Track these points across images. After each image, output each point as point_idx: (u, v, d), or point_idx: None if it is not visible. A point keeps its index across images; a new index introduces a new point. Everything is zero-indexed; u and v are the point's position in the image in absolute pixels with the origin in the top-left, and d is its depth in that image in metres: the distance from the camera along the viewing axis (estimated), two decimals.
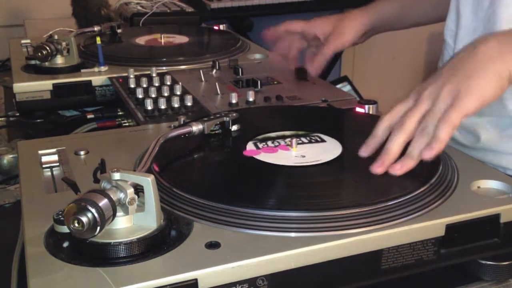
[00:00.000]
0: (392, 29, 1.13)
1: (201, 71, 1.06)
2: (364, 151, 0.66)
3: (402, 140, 0.64)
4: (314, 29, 1.06)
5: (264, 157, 0.67)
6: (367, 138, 0.67)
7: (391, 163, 0.63)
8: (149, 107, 0.90)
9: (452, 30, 0.92)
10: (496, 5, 0.82)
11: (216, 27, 1.47)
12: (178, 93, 0.96)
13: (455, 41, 0.91)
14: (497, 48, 0.66)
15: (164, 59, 1.15)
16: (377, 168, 0.63)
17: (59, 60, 1.09)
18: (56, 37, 1.10)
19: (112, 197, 0.49)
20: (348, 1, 2.42)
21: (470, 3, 0.88)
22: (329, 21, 1.06)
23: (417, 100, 0.65)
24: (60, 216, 0.52)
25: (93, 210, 0.47)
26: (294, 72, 1.07)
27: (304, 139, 0.72)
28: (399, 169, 0.62)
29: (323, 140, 0.72)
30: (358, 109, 0.84)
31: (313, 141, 0.72)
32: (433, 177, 0.62)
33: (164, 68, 1.11)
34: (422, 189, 0.60)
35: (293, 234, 0.53)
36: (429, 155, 0.61)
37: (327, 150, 0.69)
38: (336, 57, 2.54)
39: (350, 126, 0.82)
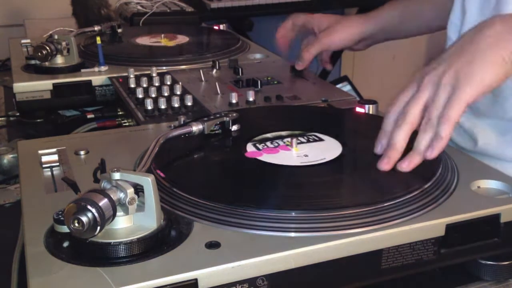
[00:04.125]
0: (393, 38, 1.12)
1: (201, 71, 1.06)
2: (380, 149, 0.66)
3: (406, 133, 0.63)
4: (313, 22, 1.07)
5: (267, 158, 0.67)
6: (378, 134, 0.67)
7: (398, 158, 0.63)
8: (149, 107, 0.90)
9: (456, 25, 0.91)
10: (501, 3, 0.82)
11: (216, 27, 1.47)
12: (178, 93, 0.96)
13: (459, 37, 0.90)
14: (502, 32, 0.64)
15: (164, 59, 1.15)
16: (385, 165, 0.63)
17: (59, 60, 1.09)
18: (56, 37, 1.10)
19: (112, 197, 0.49)
20: (348, 1, 2.43)
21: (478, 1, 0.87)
22: (329, 18, 1.07)
23: (419, 87, 0.64)
24: (60, 216, 0.52)
25: (93, 210, 0.47)
26: (290, 69, 1.07)
27: (302, 139, 0.72)
28: (407, 166, 0.62)
29: (320, 139, 0.72)
30: (358, 109, 0.84)
31: (311, 140, 0.72)
32: (433, 177, 0.62)
33: (164, 68, 1.11)
34: (422, 189, 0.60)
35: (293, 234, 0.53)
36: (431, 155, 0.61)
37: (327, 148, 0.69)
38: (336, 57, 2.53)
39: (349, 125, 0.82)
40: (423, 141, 0.62)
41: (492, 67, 0.62)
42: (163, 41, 1.30)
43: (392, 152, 0.63)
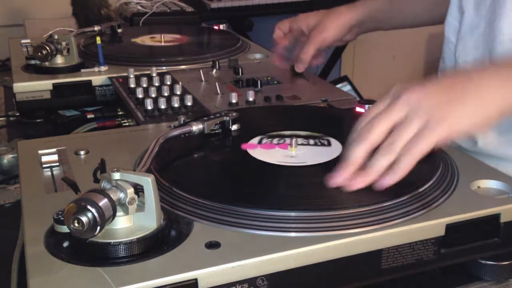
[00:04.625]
0: (382, 28, 1.12)
1: (201, 71, 1.06)
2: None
3: (364, 150, 0.59)
4: (300, 23, 1.06)
5: (256, 152, 0.67)
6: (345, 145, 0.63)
7: (349, 174, 0.58)
8: (149, 107, 0.90)
9: (454, 27, 0.91)
10: (497, 1, 0.82)
11: (216, 27, 1.47)
12: (178, 93, 0.96)
13: (457, 38, 0.90)
14: (495, 80, 0.63)
15: (164, 59, 1.15)
16: (333, 180, 0.58)
17: (59, 60, 1.09)
18: (56, 37, 1.10)
19: (112, 197, 0.49)
20: (347, 1, 2.43)
21: None
22: (314, 16, 1.06)
23: (393, 104, 0.60)
24: (60, 216, 0.52)
25: (93, 210, 0.47)
26: (290, 69, 1.07)
27: (311, 141, 0.71)
28: (354, 185, 0.58)
29: (329, 144, 0.71)
30: (358, 109, 0.84)
31: (319, 144, 0.71)
32: (433, 177, 0.62)
33: (164, 68, 1.11)
34: (422, 189, 0.60)
35: (293, 234, 0.53)
36: (383, 184, 0.57)
37: (324, 153, 0.68)
38: (336, 57, 2.53)
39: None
40: (378, 163, 0.58)
41: (470, 114, 0.61)
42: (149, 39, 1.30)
43: (346, 167, 0.59)
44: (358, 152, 0.59)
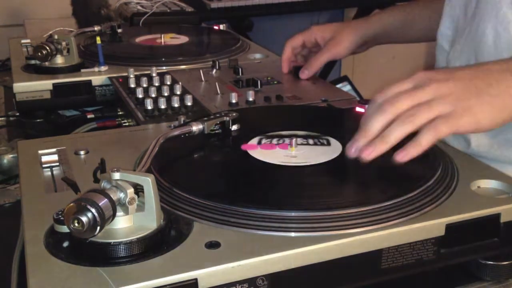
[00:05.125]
0: (393, 42, 1.13)
1: (201, 71, 1.06)
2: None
3: (384, 121, 0.60)
4: (314, 35, 1.07)
5: (257, 153, 0.67)
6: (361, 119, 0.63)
7: (365, 144, 0.59)
8: (149, 107, 0.90)
9: (447, 35, 0.92)
10: (480, 2, 0.82)
11: (216, 27, 1.47)
12: (178, 93, 0.96)
13: (450, 45, 0.91)
14: None
15: (164, 59, 1.15)
16: (349, 150, 0.60)
17: (59, 60, 1.09)
18: (56, 37, 1.10)
19: (112, 197, 0.49)
20: (348, 1, 2.43)
21: (463, 5, 0.88)
22: (330, 28, 1.07)
23: (419, 87, 0.61)
24: (60, 216, 0.52)
25: (93, 210, 0.47)
26: (293, 71, 1.07)
27: (311, 141, 0.71)
28: (370, 154, 0.59)
29: (328, 144, 0.71)
30: (358, 109, 0.84)
31: (318, 143, 0.71)
32: (433, 177, 0.62)
33: (164, 68, 1.11)
34: (422, 188, 0.60)
35: (293, 234, 0.53)
36: (403, 158, 0.59)
37: (324, 153, 0.68)
38: None
39: (352, 127, 0.82)
40: (396, 132, 0.58)
41: (492, 112, 0.61)
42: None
43: (363, 135, 0.60)
44: (378, 122, 0.60)
